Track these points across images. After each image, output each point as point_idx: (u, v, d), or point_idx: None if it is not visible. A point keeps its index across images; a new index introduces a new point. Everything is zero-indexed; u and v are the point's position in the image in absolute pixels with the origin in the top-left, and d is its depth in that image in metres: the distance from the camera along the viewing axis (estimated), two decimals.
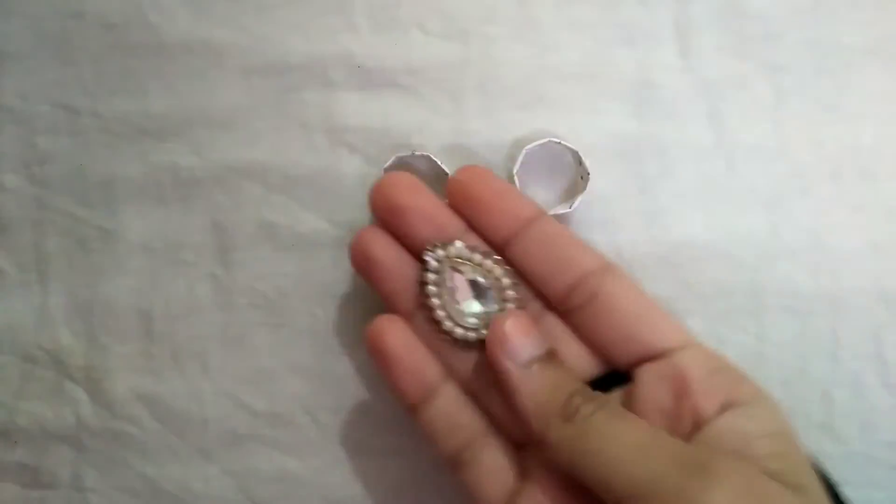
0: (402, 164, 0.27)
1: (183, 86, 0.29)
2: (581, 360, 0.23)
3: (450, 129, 0.28)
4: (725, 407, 0.21)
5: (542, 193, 0.29)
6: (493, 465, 0.23)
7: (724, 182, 0.29)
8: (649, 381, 0.22)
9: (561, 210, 0.27)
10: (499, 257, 0.23)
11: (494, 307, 0.23)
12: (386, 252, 0.23)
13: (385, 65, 0.28)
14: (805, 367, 0.29)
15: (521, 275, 0.24)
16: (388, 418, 0.28)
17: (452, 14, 0.29)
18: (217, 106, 0.29)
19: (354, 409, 0.29)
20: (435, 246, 0.23)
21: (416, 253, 0.24)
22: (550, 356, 0.21)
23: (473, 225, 0.24)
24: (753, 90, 0.29)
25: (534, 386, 0.21)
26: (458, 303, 0.23)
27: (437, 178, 0.27)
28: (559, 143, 0.27)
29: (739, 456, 0.19)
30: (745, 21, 0.29)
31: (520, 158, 0.27)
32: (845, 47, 0.29)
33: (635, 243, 0.29)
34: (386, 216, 0.24)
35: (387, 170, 0.27)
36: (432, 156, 0.27)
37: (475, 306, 0.23)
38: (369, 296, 0.28)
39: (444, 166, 0.27)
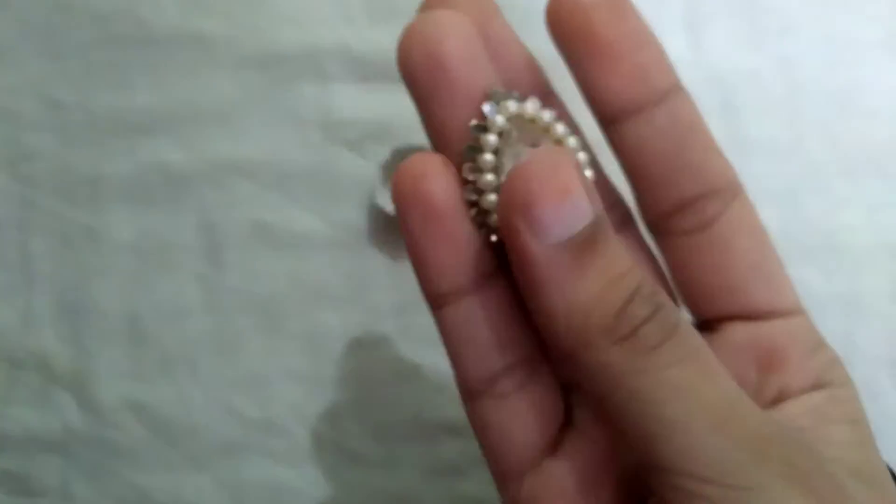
0: (400, 159, 0.27)
1: (172, 79, 0.28)
2: None
3: None
4: (814, 387, 0.17)
5: None
6: (538, 402, 0.17)
7: None
8: (737, 344, 0.17)
9: None
10: (572, 125, 0.16)
11: None
12: (467, 56, 0.15)
13: (382, 57, 0.28)
14: None
15: (625, 167, 0.17)
16: (385, 426, 0.28)
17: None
18: (208, 100, 0.28)
19: (350, 416, 0.28)
20: (501, 95, 0.15)
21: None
22: (599, 228, 0.14)
23: (577, 71, 0.16)
24: (766, 84, 0.28)
25: (572, 280, 0.14)
26: None
27: None
28: None
29: (813, 445, 0.15)
30: (757, 14, 0.28)
31: None
32: (860, 41, 0.28)
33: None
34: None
35: (384, 166, 0.27)
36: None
37: None
38: (367, 299, 0.28)
39: None
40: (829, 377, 0.17)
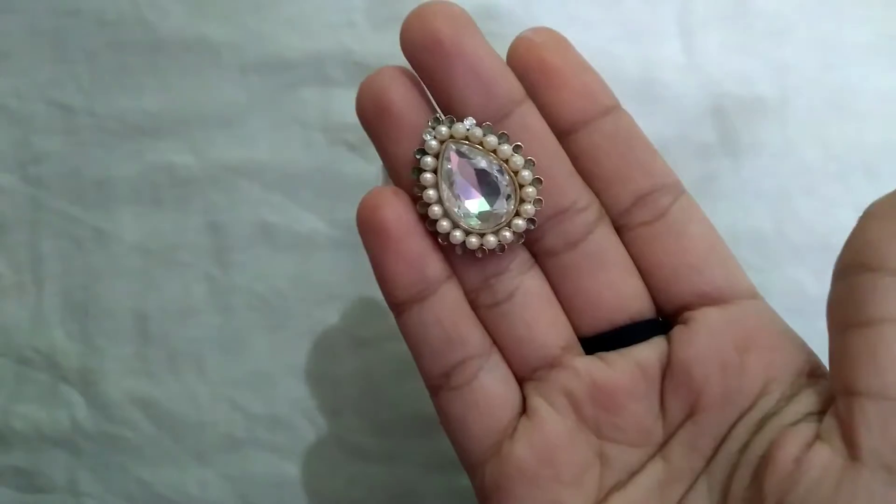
0: None
1: (179, 83, 0.29)
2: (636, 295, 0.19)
3: None
4: (806, 377, 0.18)
5: None
6: (490, 393, 0.19)
7: (729, 181, 0.28)
8: (712, 328, 0.18)
9: None
10: (519, 144, 0.18)
11: (505, 207, 0.18)
12: (407, 99, 0.18)
13: (384, 61, 0.28)
14: None
15: (580, 173, 0.19)
16: (386, 422, 0.28)
17: None
18: (214, 104, 0.28)
19: (353, 412, 0.28)
20: (438, 121, 0.18)
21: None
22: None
23: (536, 98, 0.19)
24: (759, 88, 0.28)
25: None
26: (459, 198, 0.18)
27: None
28: None
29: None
30: (750, 18, 0.29)
31: None
32: (851, 45, 0.29)
33: None
34: (420, 58, 0.18)
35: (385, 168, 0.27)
36: None
37: (481, 204, 0.19)
38: (369, 297, 0.28)
39: None
40: (815, 369, 0.18)
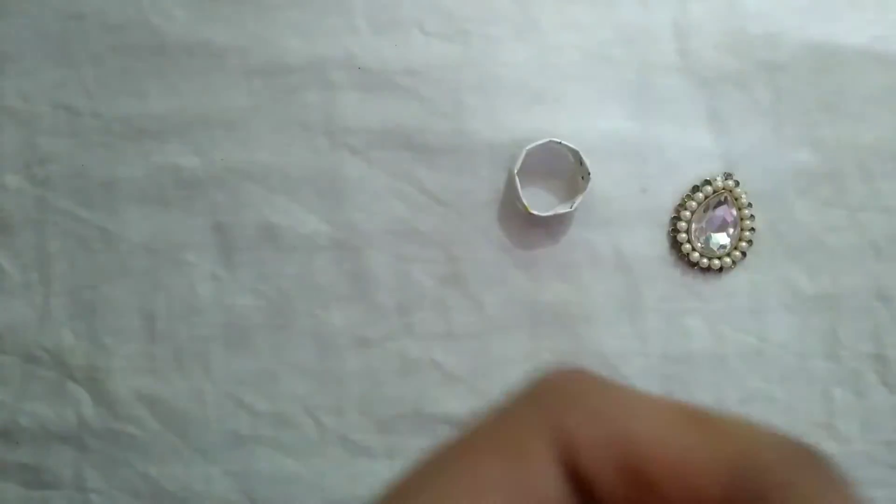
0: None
1: (184, 87, 0.29)
2: None
3: (450, 130, 0.28)
4: None
5: (542, 193, 0.29)
6: None
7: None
8: None
9: (561, 210, 0.27)
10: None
11: (733, 239, 0.28)
12: None
13: (385, 66, 0.28)
14: (805, 367, 0.29)
15: None
16: (388, 420, 0.29)
17: (452, 14, 0.29)
18: (218, 107, 0.29)
19: (356, 410, 0.29)
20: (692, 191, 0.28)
21: None
22: None
23: None
24: (752, 90, 0.29)
25: None
26: (707, 235, 0.28)
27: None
28: (560, 143, 0.27)
29: None
30: (744, 21, 0.29)
31: (520, 158, 0.27)
32: (844, 47, 0.29)
33: (635, 243, 0.29)
34: None
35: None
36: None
37: (722, 238, 0.28)
38: (370, 297, 0.29)
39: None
40: None
